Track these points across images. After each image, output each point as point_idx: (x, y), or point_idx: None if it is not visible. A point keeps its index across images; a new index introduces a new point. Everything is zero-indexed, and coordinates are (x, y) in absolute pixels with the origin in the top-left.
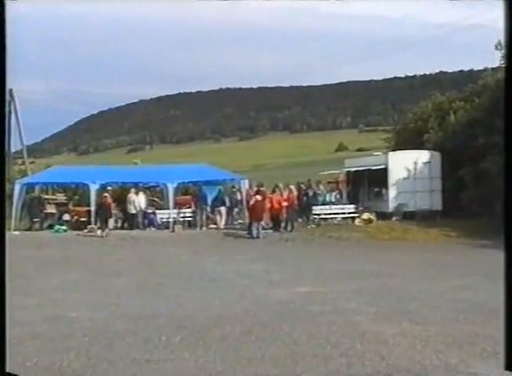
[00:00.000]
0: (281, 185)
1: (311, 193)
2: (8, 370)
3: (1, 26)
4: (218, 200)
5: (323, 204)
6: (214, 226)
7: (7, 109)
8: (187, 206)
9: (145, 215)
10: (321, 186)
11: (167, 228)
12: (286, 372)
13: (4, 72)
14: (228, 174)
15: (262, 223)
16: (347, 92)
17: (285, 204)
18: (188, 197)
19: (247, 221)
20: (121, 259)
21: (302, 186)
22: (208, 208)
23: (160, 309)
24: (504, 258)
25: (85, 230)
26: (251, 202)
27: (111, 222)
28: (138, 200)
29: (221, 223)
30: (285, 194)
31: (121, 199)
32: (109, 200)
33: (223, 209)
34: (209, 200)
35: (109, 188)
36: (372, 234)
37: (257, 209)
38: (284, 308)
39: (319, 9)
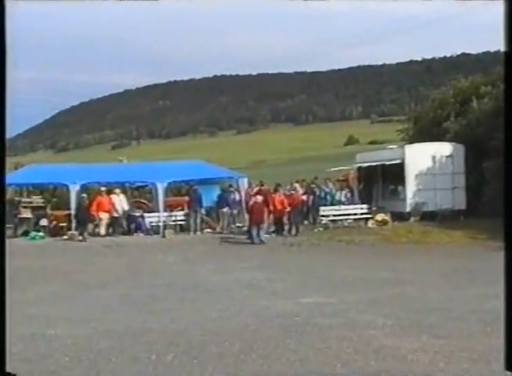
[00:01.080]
0: (284, 183)
1: (318, 192)
2: (8, 370)
3: (1, 26)
4: (221, 201)
5: (332, 205)
6: (210, 231)
7: None
8: (179, 208)
9: (132, 218)
10: (329, 184)
11: (157, 233)
12: None
13: (4, 72)
14: (225, 171)
15: (264, 227)
16: (357, 77)
17: (288, 204)
18: (180, 197)
19: (247, 224)
20: (106, 269)
21: (308, 184)
22: (203, 210)
23: (150, 323)
24: (504, 258)
25: (65, 237)
26: (251, 203)
27: (91, 227)
28: (119, 202)
29: (223, 227)
30: (288, 194)
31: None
32: (103, 200)
33: (227, 211)
34: (204, 201)
35: (102, 188)
36: (387, 237)
37: (257, 211)
38: (289, 321)
39: None
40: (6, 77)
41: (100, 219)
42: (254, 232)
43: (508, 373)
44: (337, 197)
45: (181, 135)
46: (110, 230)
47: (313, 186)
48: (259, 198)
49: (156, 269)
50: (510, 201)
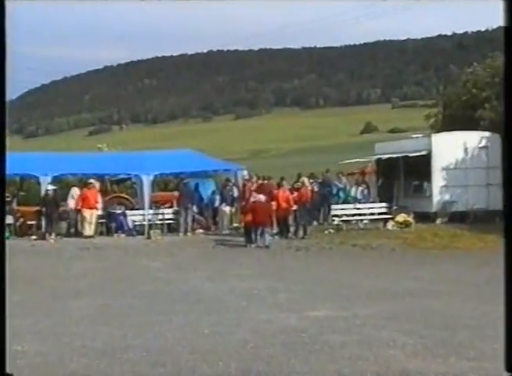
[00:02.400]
0: (290, 177)
1: (329, 188)
2: (8, 370)
3: (1, 26)
4: (219, 197)
5: (345, 202)
6: (203, 231)
7: None
8: (167, 205)
9: (112, 216)
10: (343, 179)
11: (141, 233)
12: None
13: (4, 71)
14: (221, 163)
15: (268, 228)
16: (375, 54)
17: (295, 202)
18: (168, 193)
19: (244, 224)
20: (81, 275)
21: (317, 178)
22: (195, 208)
23: (132, 339)
24: (504, 258)
25: (34, 237)
26: (252, 200)
27: (65, 226)
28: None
29: (222, 227)
30: (294, 189)
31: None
32: (89, 195)
33: (227, 209)
34: (196, 197)
35: (91, 180)
36: (410, 241)
37: (261, 210)
38: (294, 338)
39: None
40: (6, 77)
41: (83, 217)
42: (256, 234)
43: (508, 374)
44: (351, 194)
45: (170, 119)
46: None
47: (324, 180)
48: (262, 197)
49: (139, 276)
50: (510, 202)
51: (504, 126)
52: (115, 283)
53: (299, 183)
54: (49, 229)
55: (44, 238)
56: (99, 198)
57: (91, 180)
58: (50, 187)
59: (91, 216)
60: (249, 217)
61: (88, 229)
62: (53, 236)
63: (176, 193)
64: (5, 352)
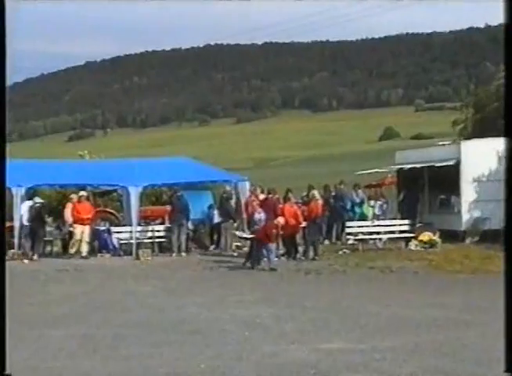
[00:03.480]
0: (298, 190)
1: (343, 203)
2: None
3: (1, 25)
4: (221, 212)
5: (362, 219)
6: (199, 251)
7: None
8: (158, 221)
9: (95, 233)
10: (359, 192)
11: (128, 253)
12: None
13: (4, 71)
14: (221, 173)
15: (272, 247)
16: (397, 50)
17: (304, 218)
18: (159, 207)
19: (248, 243)
20: (60, 301)
21: (330, 191)
22: (190, 224)
23: (117, 374)
24: (504, 258)
25: (6, 257)
26: (256, 216)
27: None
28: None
29: (227, 246)
30: (303, 204)
31: (59, 210)
32: (82, 208)
33: (227, 225)
34: (192, 212)
35: (82, 193)
36: (436, 264)
37: (268, 229)
38: (303, 374)
39: None
40: (6, 76)
41: (74, 235)
42: (261, 253)
43: (508, 374)
44: (368, 210)
45: (162, 123)
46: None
47: (337, 193)
48: (280, 219)
49: (126, 302)
50: (510, 202)
51: (505, 126)
52: (99, 310)
53: (309, 196)
54: (35, 248)
55: (18, 258)
56: (92, 212)
57: (83, 192)
58: (37, 200)
59: (83, 233)
60: (255, 235)
61: (77, 248)
62: (36, 256)
63: (168, 208)
64: (5, 352)
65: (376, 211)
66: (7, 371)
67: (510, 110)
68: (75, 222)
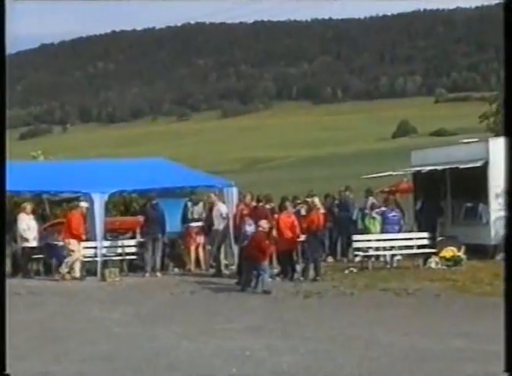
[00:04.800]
0: (295, 197)
1: (348, 212)
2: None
3: (1, 25)
4: (207, 221)
5: (372, 231)
6: (178, 270)
7: None
8: (128, 234)
9: (51, 249)
10: (369, 200)
11: (93, 273)
12: None
13: (4, 70)
14: (204, 177)
15: (266, 266)
16: (413, 30)
17: (302, 231)
18: (129, 217)
19: (236, 261)
20: (11, 331)
21: (334, 198)
22: (166, 238)
23: None
24: (504, 258)
25: None
26: (246, 229)
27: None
28: (28, 223)
29: (219, 266)
30: (302, 214)
31: (9, 221)
32: (74, 219)
33: (217, 237)
34: (168, 224)
35: (83, 204)
36: (460, 285)
37: (256, 242)
38: None
39: None
40: (6, 76)
41: (71, 251)
42: (252, 274)
43: (507, 374)
44: (378, 221)
45: (132, 117)
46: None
47: (342, 201)
48: (265, 225)
49: (90, 332)
50: (510, 203)
51: (504, 126)
52: (58, 341)
53: (308, 205)
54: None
55: None
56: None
57: (83, 204)
58: (27, 205)
59: (78, 250)
60: (244, 251)
61: (78, 270)
62: None
63: (141, 218)
64: (5, 353)
65: (389, 223)
66: (7, 371)
67: (510, 109)
68: (69, 237)
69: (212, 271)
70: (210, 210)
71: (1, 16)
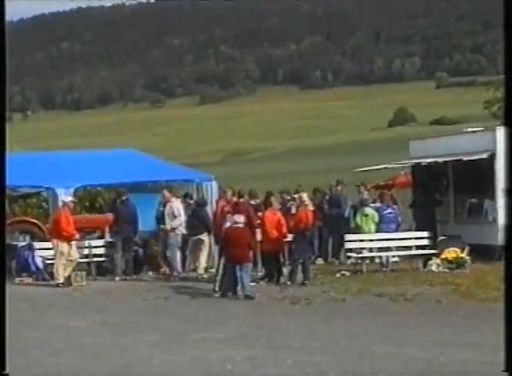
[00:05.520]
0: (281, 192)
1: (341, 210)
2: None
3: (1, 25)
4: (193, 219)
5: (365, 230)
6: (152, 273)
7: None
8: (96, 233)
9: (12, 250)
10: (363, 195)
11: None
12: None
13: (4, 70)
14: (180, 170)
15: (248, 268)
16: (411, 6)
17: (289, 229)
18: (97, 215)
19: (216, 263)
20: None
21: (324, 193)
22: (139, 238)
23: None
24: (504, 258)
25: None
26: (226, 225)
27: None
28: None
29: (201, 266)
30: (289, 210)
31: None
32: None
33: (206, 238)
34: (141, 221)
35: (69, 198)
36: (464, 289)
37: (239, 240)
38: None
39: None
40: (6, 76)
41: (60, 253)
42: (233, 276)
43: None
44: (373, 218)
45: (100, 103)
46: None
47: (333, 196)
48: (241, 219)
49: (54, 342)
50: (510, 203)
51: (505, 126)
52: (18, 352)
53: (296, 201)
54: None
55: None
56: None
57: (69, 198)
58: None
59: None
60: (224, 251)
61: (62, 272)
62: None
63: (110, 216)
64: (4, 353)
65: (385, 221)
66: (6, 371)
67: (510, 109)
68: (56, 235)
69: (183, 275)
70: (202, 207)
71: (1, 16)
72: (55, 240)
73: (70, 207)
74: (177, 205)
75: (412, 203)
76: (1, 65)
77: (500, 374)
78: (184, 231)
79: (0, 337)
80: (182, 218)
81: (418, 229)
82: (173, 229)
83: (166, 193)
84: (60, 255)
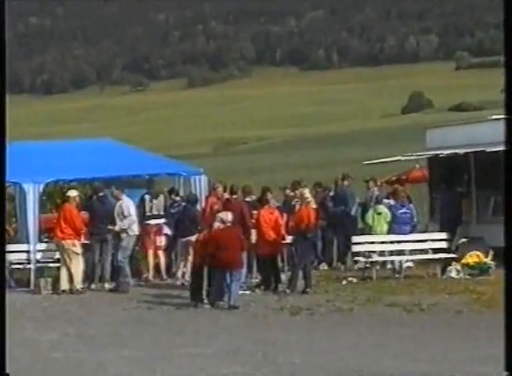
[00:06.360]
0: (279, 188)
1: (348, 208)
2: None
3: (1, 25)
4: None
5: (375, 231)
6: (133, 280)
7: None
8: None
9: None
10: (373, 191)
11: (25, 284)
12: None
13: (4, 70)
14: (165, 162)
15: (240, 274)
16: None
17: (288, 230)
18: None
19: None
20: None
21: (328, 189)
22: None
23: None
24: (504, 258)
25: None
26: (216, 225)
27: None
28: None
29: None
30: (288, 209)
31: None
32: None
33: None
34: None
35: (73, 193)
36: (488, 299)
37: (228, 243)
38: None
39: None
40: (6, 76)
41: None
42: (221, 284)
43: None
44: (385, 217)
45: (74, 87)
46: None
47: (338, 193)
48: (228, 217)
49: (21, 357)
50: (510, 202)
51: (505, 126)
52: None
53: (296, 198)
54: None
55: None
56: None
57: (73, 192)
58: None
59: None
60: (211, 255)
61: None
62: None
63: (85, 215)
64: (5, 353)
65: (398, 221)
66: (6, 371)
67: (510, 109)
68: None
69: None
70: (193, 204)
71: (1, 15)
72: (69, 241)
73: (76, 201)
74: (127, 203)
75: (438, 202)
76: (1, 64)
77: None
78: (137, 232)
79: (0, 337)
80: (133, 218)
81: (436, 230)
82: (124, 231)
83: (114, 189)
84: (76, 257)
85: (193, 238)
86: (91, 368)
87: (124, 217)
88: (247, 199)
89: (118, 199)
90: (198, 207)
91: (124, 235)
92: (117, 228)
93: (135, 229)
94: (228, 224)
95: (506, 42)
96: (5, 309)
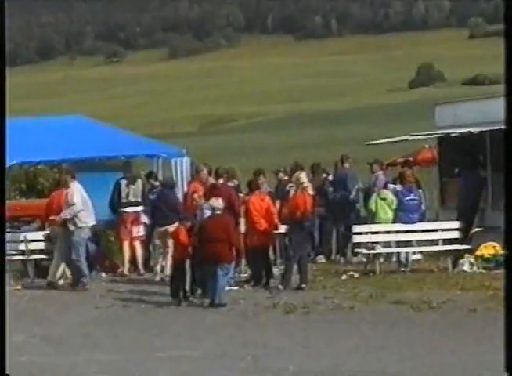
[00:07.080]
0: (272, 171)
1: (349, 193)
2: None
3: (1, 25)
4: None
5: (379, 220)
6: (105, 274)
7: None
8: (35, 223)
9: None
10: (377, 175)
11: None
12: None
13: (4, 71)
14: (143, 142)
15: (228, 269)
16: None
17: (281, 218)
18: (35, 200)
19: (176, 259)
20: None
21: (327, 173)
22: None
23: None
24: (504, 258)
25: None
26: (202, 216)
27: None
28: None
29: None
30: (281, 194)
31: None
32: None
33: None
34: (94, 208)
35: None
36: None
37: (217, 233)
38: None
39: None
40: (6, 76)
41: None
42: (211, 278)
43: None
44: (390, 204)
45: (40, 58)
46: None
47: (338, 176)
48: (219, 203)
49: None
50: (510, 202)
51: (505, 127)
52: None
53: (291, 183)
54: None
55: None
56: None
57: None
58: None
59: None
60: (199, 246)
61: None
62: None
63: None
64: (5, 353)
65: (404, 207)
66: (6, 371)
67: (510, 109)
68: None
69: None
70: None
71: (1, 15)
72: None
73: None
74: (72, 190)
75: (449, 186)
76: (1, 64)
77: None
78: (89, 223)
79: (0, 337)
80: (78, 206)
81: (446, 219)
82: (71, 223)
83: (65, 174)
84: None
85: (172, 228)
86: (61, 373)
87: (72, 206)
88: (229, 183)
89: (68, 185)
90: (178, 192)
91: (72, 228)
92: (57, 218)
93: (85, 220)
94: (218, 212)
95: (507, 43)
96: (5, 310)
